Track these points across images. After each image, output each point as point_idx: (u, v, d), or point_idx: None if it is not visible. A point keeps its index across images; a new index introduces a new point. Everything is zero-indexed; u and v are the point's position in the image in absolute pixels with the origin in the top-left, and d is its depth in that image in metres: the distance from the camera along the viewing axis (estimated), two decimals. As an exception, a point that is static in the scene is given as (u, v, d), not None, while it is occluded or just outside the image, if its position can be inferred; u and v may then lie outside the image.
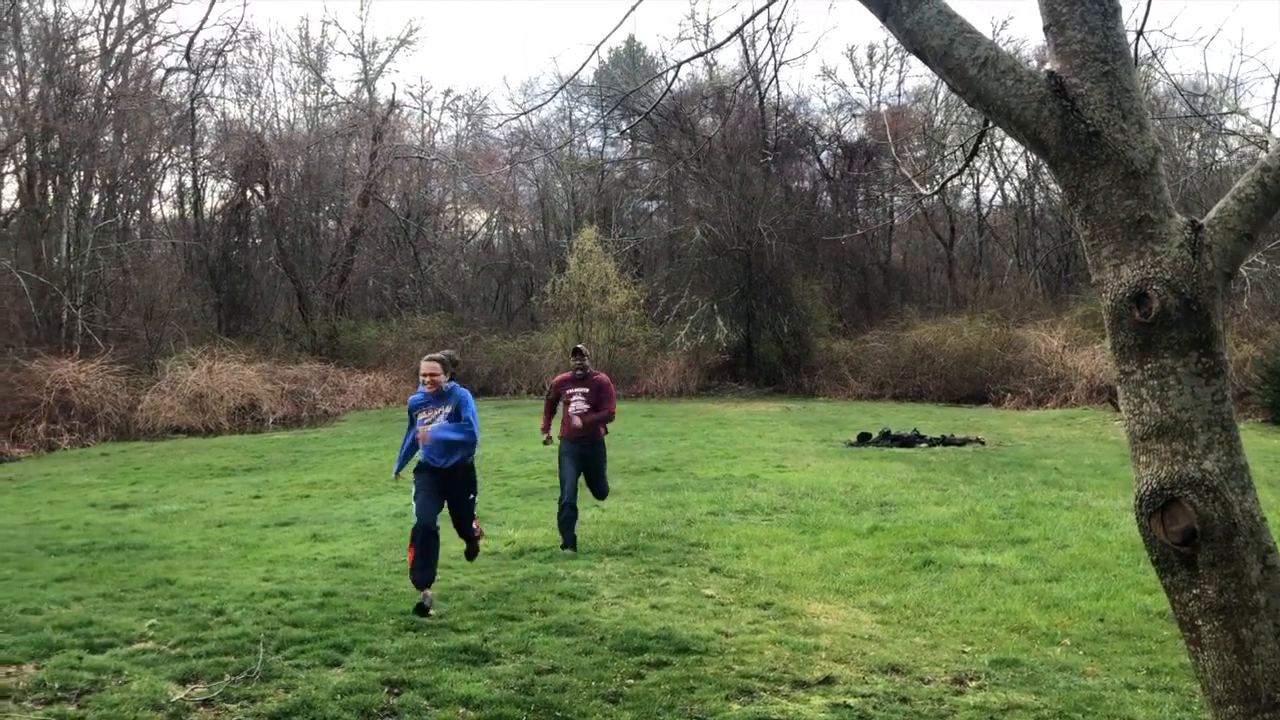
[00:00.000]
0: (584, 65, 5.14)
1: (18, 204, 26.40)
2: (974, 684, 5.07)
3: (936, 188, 18.92)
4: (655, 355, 27.78)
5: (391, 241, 35.39)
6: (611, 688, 4.86)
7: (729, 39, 4.52)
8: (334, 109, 36.57)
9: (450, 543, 8.54)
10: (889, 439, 16.04)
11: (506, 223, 39.84)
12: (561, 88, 13.63)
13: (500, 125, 34.73)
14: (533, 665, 5.14)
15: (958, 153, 31.80)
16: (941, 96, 34.39)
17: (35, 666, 4.97)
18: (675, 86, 29.38)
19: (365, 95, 35.71)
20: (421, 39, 48.94)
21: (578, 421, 8.54)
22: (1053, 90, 2.77)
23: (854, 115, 36.50)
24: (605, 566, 7.52)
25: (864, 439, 16.24)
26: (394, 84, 56.80)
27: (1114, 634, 5.91)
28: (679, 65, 4.18)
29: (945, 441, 15.87)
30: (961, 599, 6.66)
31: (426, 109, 40.05)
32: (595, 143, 37.86)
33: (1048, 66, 2.92)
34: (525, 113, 25.66)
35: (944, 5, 2.91)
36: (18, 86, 25.89)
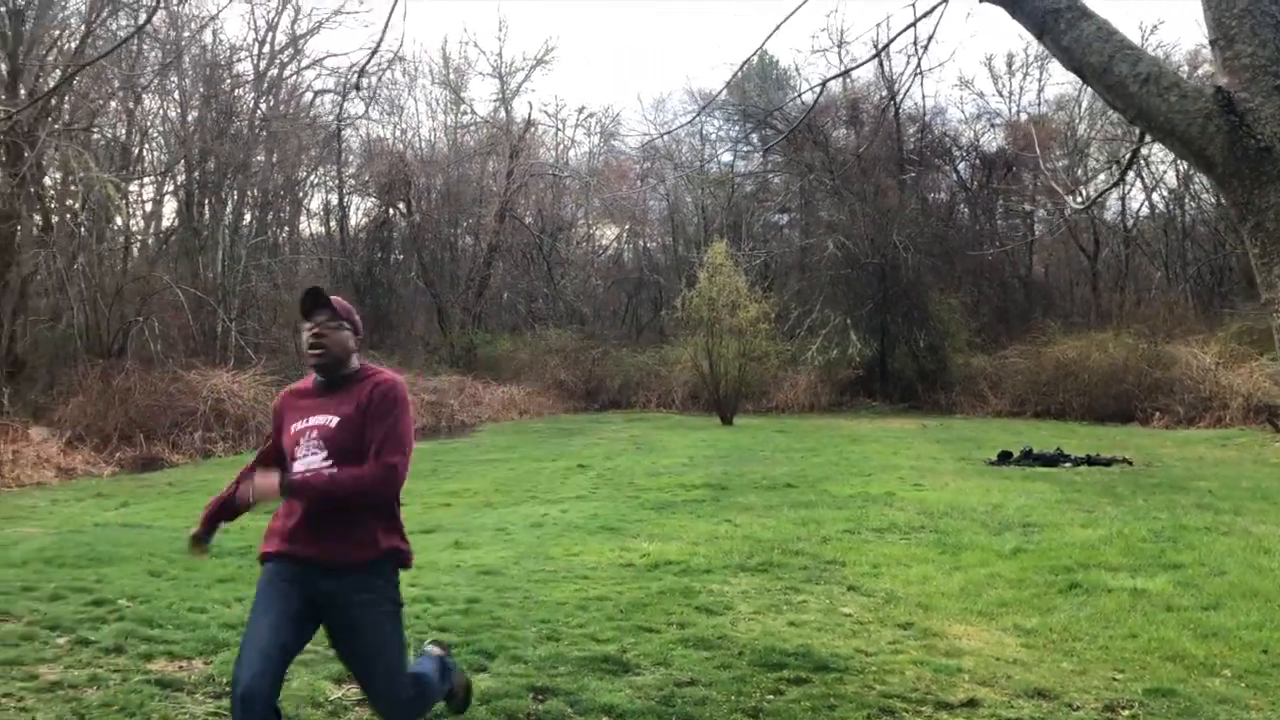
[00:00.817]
0: (725, 88, 5.18)
1: (177, 222, 27.96)
2: (1126, 713, 4.90)
3: (1085, 202, 18.31)
4: (786, 370, 27.63)
5: (526, 257, 36.15)
6: (751, 703, 4.87)
7: (872, 58, 4.52)
8: (472, 128, 37.57)
9: (585, 553, 8.66)
10: (1031, 458, 15.59)
11: (637, 237, 40.25)
12: (701, 111, 13.69)
13: (642, 145, 35.03)
14: (672, 677, 5.19)
15: (1112, 166, 30.72)
16: (1085, 104, 33.32)
17: (204, 662, 5.26)
18: (807, 98, 29.23)
19: (502, 114, 36.63)
20: (557, 58, 50.08)
21: (304, 484, 3.56)
22: (1220, 106, 2.70)
23: (992, 125, 35.71)
24: (741, 582, 7.53)
25: (1005, 458, 15.82)
26: (530, 103, 57.95)
27: (1279, 666, 5.64)
28: (824, 83, 4.22)
29: (1090, 461, 15.34)
30: (1110, 624, 6.44)
31: (561, 126, 40.80)
32: (726, 156, 37.97)
33: (1204, 69, 2.86)
34: (662, 135, 25.91)
35: (1103, 22, 2.87)
36: (179, 110, 27.43)
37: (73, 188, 24.10)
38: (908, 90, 30.54)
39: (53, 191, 24.60)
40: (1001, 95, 38.75)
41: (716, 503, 11.58)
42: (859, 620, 6.49)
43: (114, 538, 9.48)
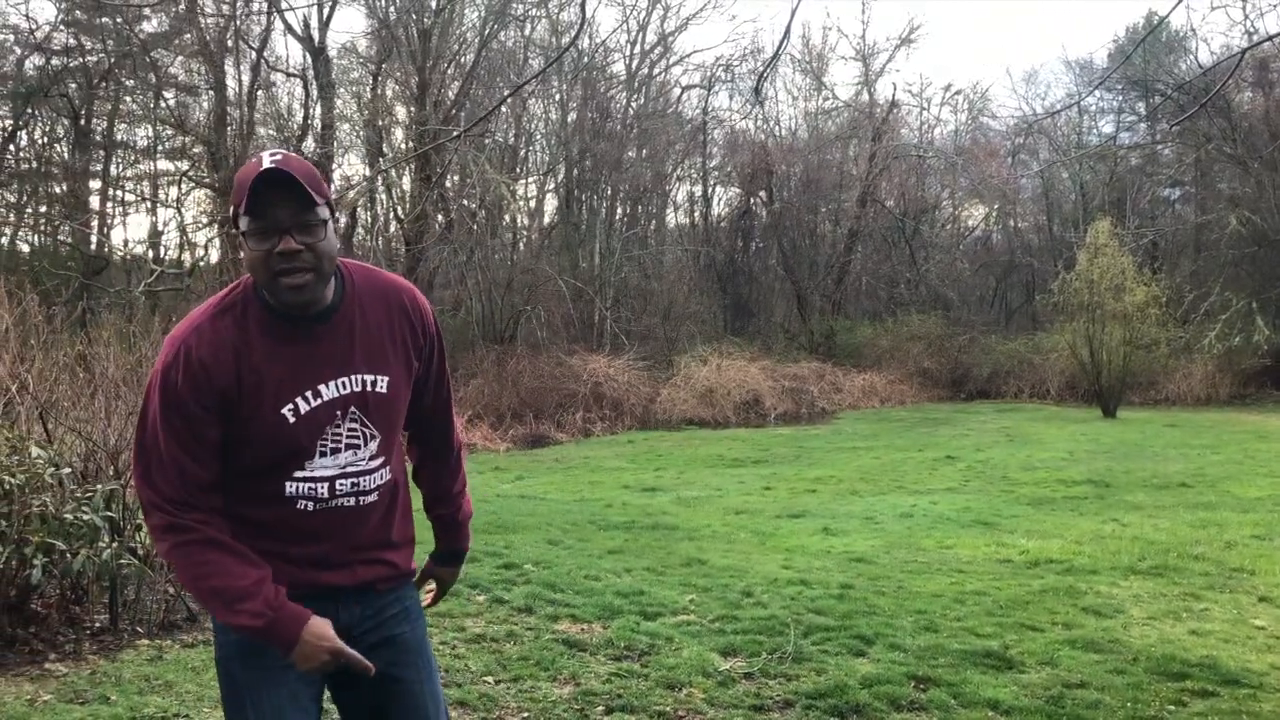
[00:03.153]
0: (1117, 67, 4.84)
1: (557, 218, 30.09)
2: None
3: None
4: (1178, 359, 25.32)
5: (887, 241, 35.52)
6: (1150, 711, 4.60)
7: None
8: (834, 113, 37.39)
9: (958, 546, 8.46)
10: None
11: (1007, 217, 38.34)
12: (1093, 88, 12.85)
13: (1016, 124, 33.40)
14: (1060, 678, 5.00)
15: None
16: None
17: (602, 626, 5.71)
18: (1205, 59, 26.69)
19: (865, 97, 36.11)
20: (922, 35, 48.74)
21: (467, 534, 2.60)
22: None
23: None
24: (1131, 585, 7.07)
25: None
26: (894, 84, 56.75)
27: None
28: (1244, 53, 3.85)
29: None
30: None
31: (925, 106, 39.64)
32: (1107, 128, 35.29)
33: None
34: (1041, 119, 24.52)
35: None
36: (559, 112, 29.46)
37: (469, 189, 26.63)
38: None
39: (452, 193, 27.32)
40: None
41: (1100, 500, 10.91)
42: (1275, 634, 5.91)
43: (514, 508, 10.45)
